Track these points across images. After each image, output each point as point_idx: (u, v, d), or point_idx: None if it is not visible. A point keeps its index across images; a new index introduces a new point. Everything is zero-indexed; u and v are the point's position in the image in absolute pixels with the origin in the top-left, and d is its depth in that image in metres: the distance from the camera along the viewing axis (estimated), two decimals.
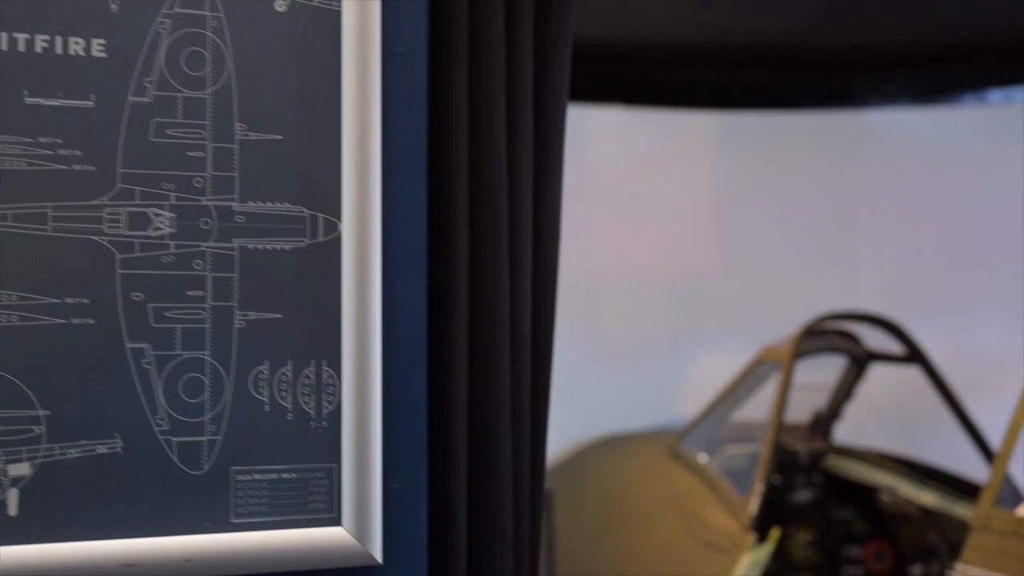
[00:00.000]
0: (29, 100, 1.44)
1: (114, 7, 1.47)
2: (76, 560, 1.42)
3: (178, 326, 1.48)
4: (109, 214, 1.46)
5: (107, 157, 1.46)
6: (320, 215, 1.55)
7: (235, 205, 1.52)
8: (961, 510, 3.95)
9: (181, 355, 1.48)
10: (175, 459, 1.48)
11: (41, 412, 1.43)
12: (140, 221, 1.47)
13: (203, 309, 1.49)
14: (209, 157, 1.51)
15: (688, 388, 6.14)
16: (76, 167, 1.45)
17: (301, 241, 1.54)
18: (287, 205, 1.54)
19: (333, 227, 1.55)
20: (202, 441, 1.49)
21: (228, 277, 1.51)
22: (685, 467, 4.55)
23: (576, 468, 5.14)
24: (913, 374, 4.47)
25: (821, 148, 6.62)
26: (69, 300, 1.44)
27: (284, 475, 1.52)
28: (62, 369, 1.44)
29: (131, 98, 1.48)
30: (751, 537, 3.87)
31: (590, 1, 4.92)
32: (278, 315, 1.53)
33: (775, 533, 3.92)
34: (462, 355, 1.68)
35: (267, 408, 1.52)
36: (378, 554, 1.55)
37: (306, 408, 1.53)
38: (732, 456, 4.67)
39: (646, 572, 4.33)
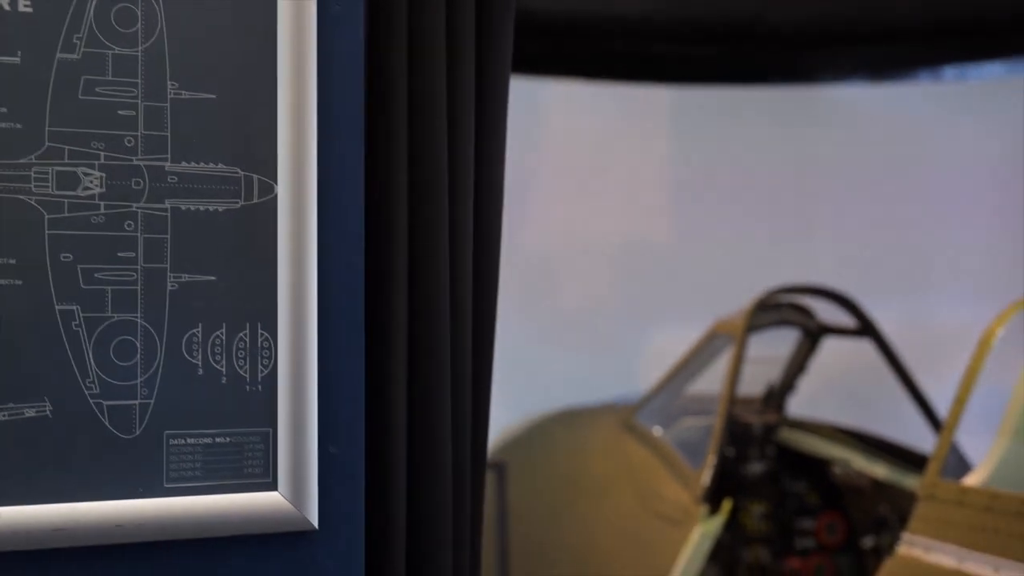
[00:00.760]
0: None
1: None
2: (3, 525, 1.39)
3: (109, 288, 1.46)
4: (37, 173, 1.43)
5: (34, 115, 1.43)
6: (255, 176, 1.53)
7: (167, 165, 1.49)
8: (911, 482, 3.99)
9: (112, 317, 1.46)
10: (106, 423, 1.45)
11: None
12: (69, 180, 1.44)
13: (134, 271, 1.47)
14: (140, 116, 1.48)
15: (645, 361, 6.17)
16: (1, 125, 1.41)
17: (235, 202, 1.52)
18: (221, 166, 1.51)
19: (268, 188, 1.53)
20: (134, 405, 1.46)
21: (160, 238, 1.48)
22: (640, 440, 4.56)
23: (531, 441, 5.14)
24: (868, 348, 4.50)
25: (777, 123, 6.64)
26: None
27: (219, 439, 1.50)
28: None
29: (59, 55, 1.44)
30: (703, 509, 3.88)
31: None
32: (212, 277, 1.50)
33: (727, 505, 3.94)
34: (401, 320, 1.66)
35: (201, 372, 1.49)
36: (314, 519, 1.54)
37: (241, 372, 1.51)
38: (687, 429, 4.69)
39: (600, 544, 4.35)
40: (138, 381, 1.47)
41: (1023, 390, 2.97)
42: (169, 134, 1.49)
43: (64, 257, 1.44)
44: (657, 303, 6.53)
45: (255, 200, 1.52)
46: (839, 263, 6.42)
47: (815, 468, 4.52)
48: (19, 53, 1.43)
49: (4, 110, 1.41)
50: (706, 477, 3.96)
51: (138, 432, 1.47)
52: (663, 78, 6.52)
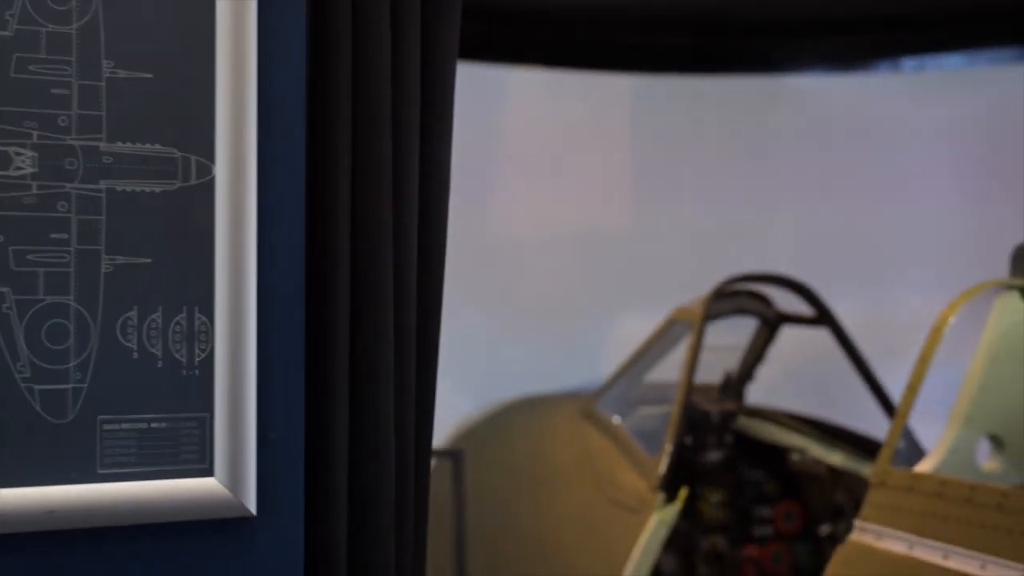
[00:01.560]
0: None
1: None
2: None
3: (41, 270, 1.43)
4: None
5: None
6: (193, 157, 1.50)
7: (102, 145, 1.46)
8: (868, 470, 4.00)
9: (44, 300, 1.43)
10: (37, 408, 1.42)
11: None
12: (0, 160, 1.41)
13: (67, 252, 1.44)
14: (75, 95, 1.45)
15: (607, 350, 6.16)
16: None
17: (172, 183, 1.49)
18: (158, 146, 1.49)
19: (207, 170, 1.51)
20: (67, 389, 1.44)
21: (94, 220, 1.45)
22: (598, 428, 4.56)
23: (489, 429, 5.13)
24: (826, 336, 4.51)
25: (739, 112, 6.65)
26: None
27: (154, 424, 1.48)
28: None
29: None
30: (660, 497, 3.88)
31: None
32: (148, 260, 1.48)
33: (683, 493, 3.94)
34: (343, 305, 1.64)
35: (136, 355, 1.47)
36: (252, 506, 1.52)
37: (177, 356, 1.49)
38: (645, 417, 4.68)
39: (557, 532, 4.34)
40: (71, 365, 1.44)
41: (973, 377, 2.99)
42: (104, 114, 1.46)
43: None
44: (620, 291, 6.53)
45: (193, 181, 1.50)
46: (801, 251, 6.44)
47: (773, 456, 4.53)
48: None
49: None
50: (663, 465, 3.96)
51: (71, 417, 1.44)
52: (627, 67, 6.52)
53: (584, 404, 4.80)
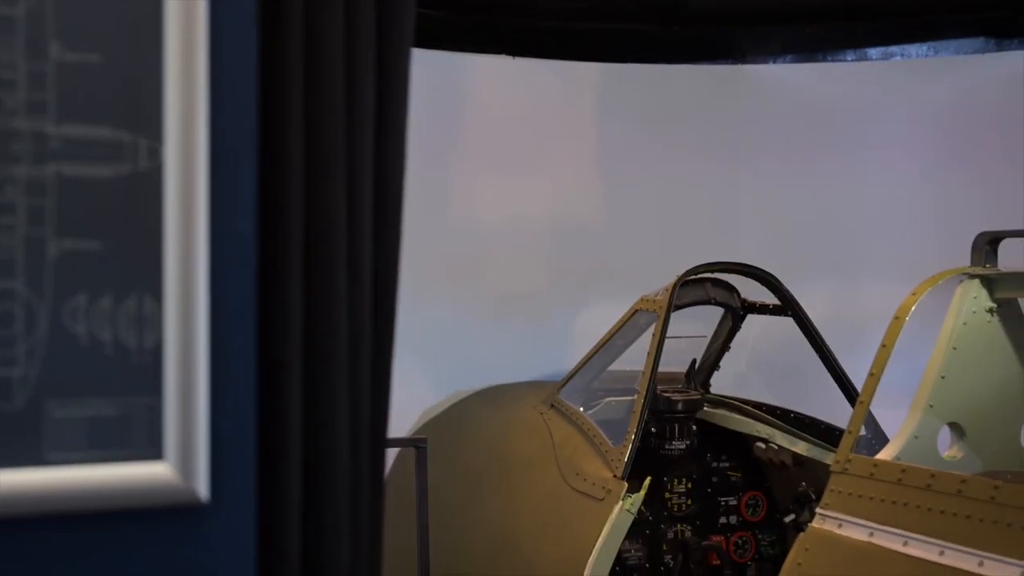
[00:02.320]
0: None
1: None
2: None
3: None
4: None
5: None
6: (143, 140, 1.48)
7: (50, 128, 1.44)
8: (831, 459, 4.02)
9: None
10: None
11: None
12: None
13: (14, 237, 1.42)
14: (21, 77, 1.42)
15: (576, 339, 6.15)
16: None
17: (122, 167, 1.47)
18: (107, 129, 1.46)
19: (156, 153, 1.48)
20: (13, 375, 1.42)
21: (42, 203, 1.43)
22: (563, 417, 4.56)
23: (453, 419, 5.12)
24: (793, 326, 4.53)
25: (704, 101, 6.65)
26: None
27: (103, 410, 1.46)
28: None
29: None
30: (623, 486, 3.89)
31: None
32: (97, 244, 1.46)
33: (647, 482, 3.95)
34: (296, 289, 1.62)
35: (84, 341, 1.45)
36: (203, 492, 1.50)
37: (126, 341, 1.47)
38: (610, 406, 4.69)
39: (521, 521, 4.34)
40: (18, 351, 1.42)
41: (934, 366, 3.00)
42: (52, 96, 1.44)
43: None
44: (587, 280, 6.53)
45: (143, 165, 1.48)
46: (768, 241, 6.46)
47: (738, 445, 4.55)
48: None
49: None
50: (626, 454, 3.96)
51: (18, 403, 1.42)
52: (592, 56, 6.51)
53: (548, 393, 4.80)
